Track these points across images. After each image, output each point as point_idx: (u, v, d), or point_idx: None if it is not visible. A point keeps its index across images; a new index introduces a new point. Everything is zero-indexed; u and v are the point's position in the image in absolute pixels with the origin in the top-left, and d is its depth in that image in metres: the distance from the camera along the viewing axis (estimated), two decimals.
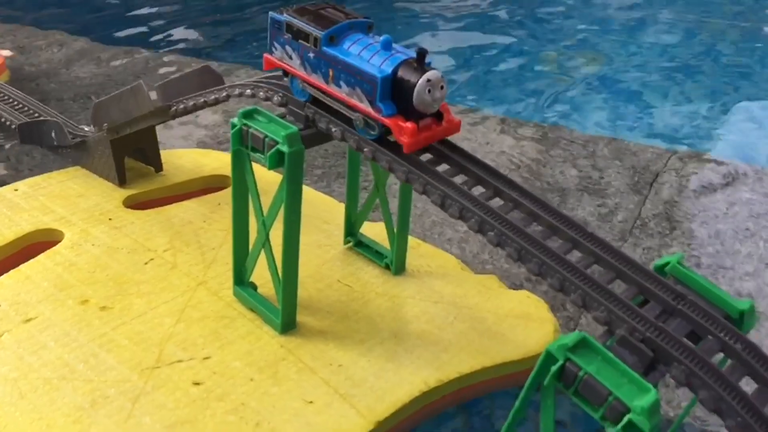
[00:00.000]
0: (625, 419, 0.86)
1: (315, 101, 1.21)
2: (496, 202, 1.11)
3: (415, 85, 1.06)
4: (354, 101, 1.13)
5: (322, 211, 1.66)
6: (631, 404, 0.86)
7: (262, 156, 1.19)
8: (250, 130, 1.20)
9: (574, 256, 1.06)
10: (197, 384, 1.17)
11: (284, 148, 1.16)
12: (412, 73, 1.07)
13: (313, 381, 1.19)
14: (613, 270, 1.03)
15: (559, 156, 2.18)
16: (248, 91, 1.33)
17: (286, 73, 1.24)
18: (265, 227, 1.26)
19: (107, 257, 1.45)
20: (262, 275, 1.32)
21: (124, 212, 1.60)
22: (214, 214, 1.61)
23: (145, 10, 3.66)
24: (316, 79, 1.17)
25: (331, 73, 1.15)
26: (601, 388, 0.88)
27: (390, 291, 1.42)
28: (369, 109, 1.11)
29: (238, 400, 1.15)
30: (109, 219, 1.57)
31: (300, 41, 1.17)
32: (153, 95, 1.54)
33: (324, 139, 1.26)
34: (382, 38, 1.12)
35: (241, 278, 1.33)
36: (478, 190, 1.13)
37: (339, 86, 1.14)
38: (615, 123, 2.65)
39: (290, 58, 1.20)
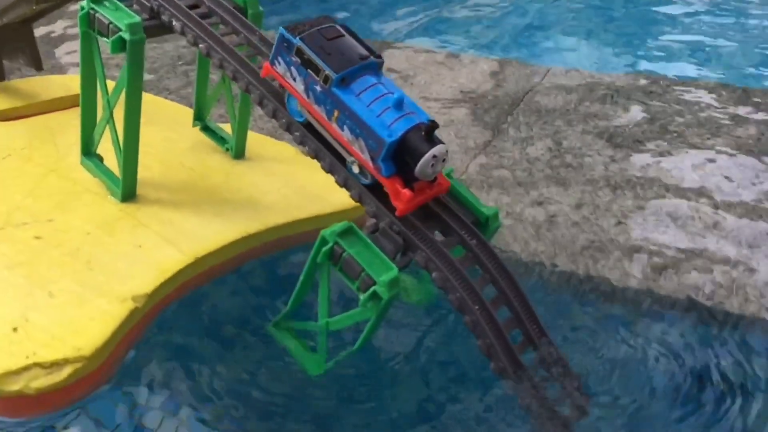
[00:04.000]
0: (371, 289, 1.09)
1: (309, 126, 1.21)
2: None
3: (421, 157, 1.06)
4: (355, 149, 1.12)
5: (179, 115, 1.82)
6: (377, 279, 1.09)
7: (107, 40, 1.33)
8: (97, 15, 1.33)
9: None
10: (38, 238, 1.32)
11: (126, 36, 1.30)
12: (420, 143, 1.07)
13: (145, 233, 1.36)
14: None
15: None
16: None
17: (281, 86, 1.21)
18: (109, 105, 1.41)
19: None
20: (113, 161, 1.47)
21: None
22: (73, 121, 1.73)
23: None
24: (319, 112, 1.15)
25: (336, 113, 1.13)
26: (357, 265, 1.10)
27: (228, 170, 1.59)
28: (369, 163, 1.11)
29: (73, 247, 1.31)
30: None
31: (309, 71, 1.13)
32: None
33: (165, 31, 1.41)
34: (395, 95, 1.09)
35: (89, 149, 1.49)
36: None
37: (342, 129, 1.12)
38: None
39: (294, 79, 1.16)
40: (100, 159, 1.49)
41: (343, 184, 1.19)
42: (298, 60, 1.14)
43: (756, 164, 1.94)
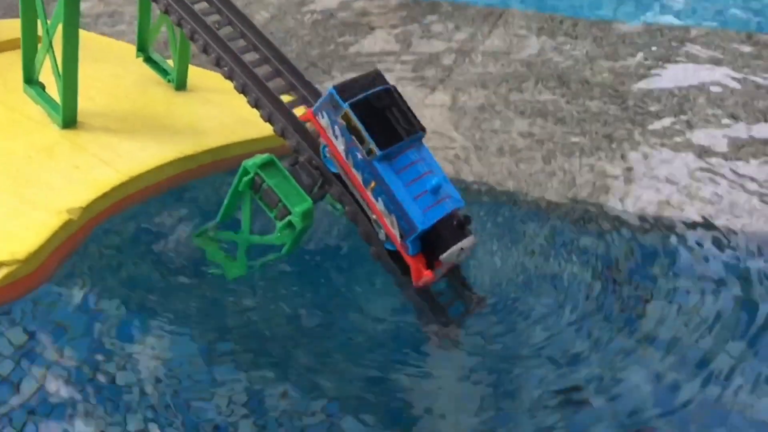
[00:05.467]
0: (287, 218, 1.20)
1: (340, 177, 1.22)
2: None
3: (449, 248, 1.10)
4: (386, 222, 1.14)
5: (126, 53, 1.86)
6: (293, 209, 1.19)
7: None
8: None
9: (288, 97, 1.34)
10: None
11: None
12: (450, 235, 1.11)
13: (83, 155, 1.43)
14: None
15: None
16: None
17: (317, 132, 1.21)
18: (48, 33, 1.46)
19: None
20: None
21: None
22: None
23: None
24: (356, 176, 1.16)
25: (373, 183, 1.14)
26: (275, 196, 1.20)
27: (169, 100, 1.66)
28: (397, 238, 1.14)
29: (14, 169, 1.37)
30: None
31: (353, 137, 1.13)
32: None
33: None
34: (434, 180, 1.11)
35: (30, 77, 1.55)
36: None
37: (376, 200, 1.14)
38: None
39: (335, 137, 1.16)
40: (42, 87, 1.55)
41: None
42: (344, 123, 1.14)
43: None
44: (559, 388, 1.20)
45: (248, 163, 1.21)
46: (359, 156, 1.13)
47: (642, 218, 1.57)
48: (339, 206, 1.41)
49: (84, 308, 1.22)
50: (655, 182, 1.68)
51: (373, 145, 1.11)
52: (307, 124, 1.26)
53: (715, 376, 1.22)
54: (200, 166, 1.47)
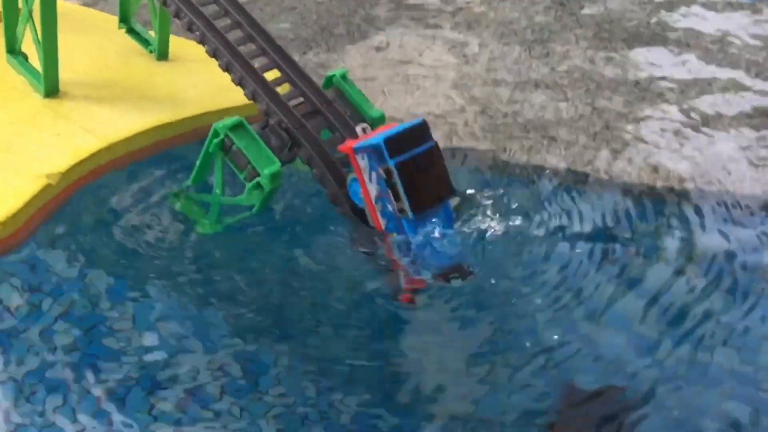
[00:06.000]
0: (255, 180, 1.23)
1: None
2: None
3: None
4: (398, 261, 1.22)
5: (109, 25, 1.88)
6: (261, 171, 1.22)
7: None
8: None
9: (259, 62, 1.36)
10: None
11: None
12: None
13: (65, 123, 1.46)
14: (287, 77, 1.35)
15: None
16: None
17: (348, 161, 1.23)
18: (27, 4, 1.48)
19: None
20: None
21: None
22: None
23: None
24: (381, 221, 1.22)
25: (394, 234, 1.21)
26: (244, 158, 1.23)
27: (150, 70, 1.68)
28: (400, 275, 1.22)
29: None
30: None
31: (389, 190, 1.17)
32: None
33: None
34: (450, 251, 1.20)
35: (12, 47, 1.57)
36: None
37: (393, 246, 1.22)
38: None
39: (370, 181, 1.20)
40: (25, 57, 1.57)
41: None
42: (384, 175, 1.17)
43: None
44: (545, 344, 1.22)
45: (218, 125, 1.24)
46: (389, 208, 1.18)
47: (629, 181, 1.59)
48: None
49: (63, 270, 1.25)
50: (642, 146, 1.70)
51: (407, 207, 1.16)
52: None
53: (696, 330, 1.25)
54: (181, 133, 1.50)
